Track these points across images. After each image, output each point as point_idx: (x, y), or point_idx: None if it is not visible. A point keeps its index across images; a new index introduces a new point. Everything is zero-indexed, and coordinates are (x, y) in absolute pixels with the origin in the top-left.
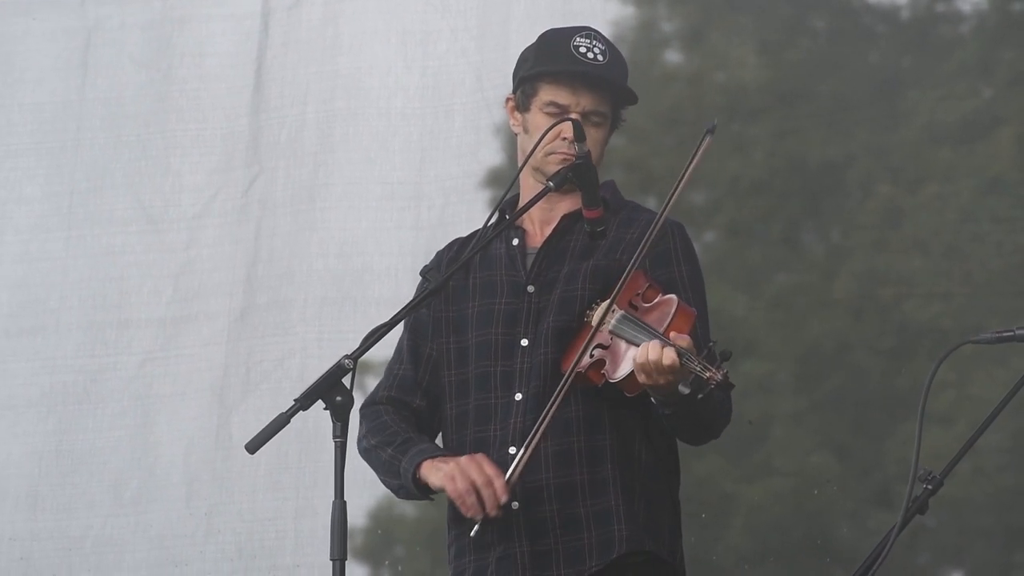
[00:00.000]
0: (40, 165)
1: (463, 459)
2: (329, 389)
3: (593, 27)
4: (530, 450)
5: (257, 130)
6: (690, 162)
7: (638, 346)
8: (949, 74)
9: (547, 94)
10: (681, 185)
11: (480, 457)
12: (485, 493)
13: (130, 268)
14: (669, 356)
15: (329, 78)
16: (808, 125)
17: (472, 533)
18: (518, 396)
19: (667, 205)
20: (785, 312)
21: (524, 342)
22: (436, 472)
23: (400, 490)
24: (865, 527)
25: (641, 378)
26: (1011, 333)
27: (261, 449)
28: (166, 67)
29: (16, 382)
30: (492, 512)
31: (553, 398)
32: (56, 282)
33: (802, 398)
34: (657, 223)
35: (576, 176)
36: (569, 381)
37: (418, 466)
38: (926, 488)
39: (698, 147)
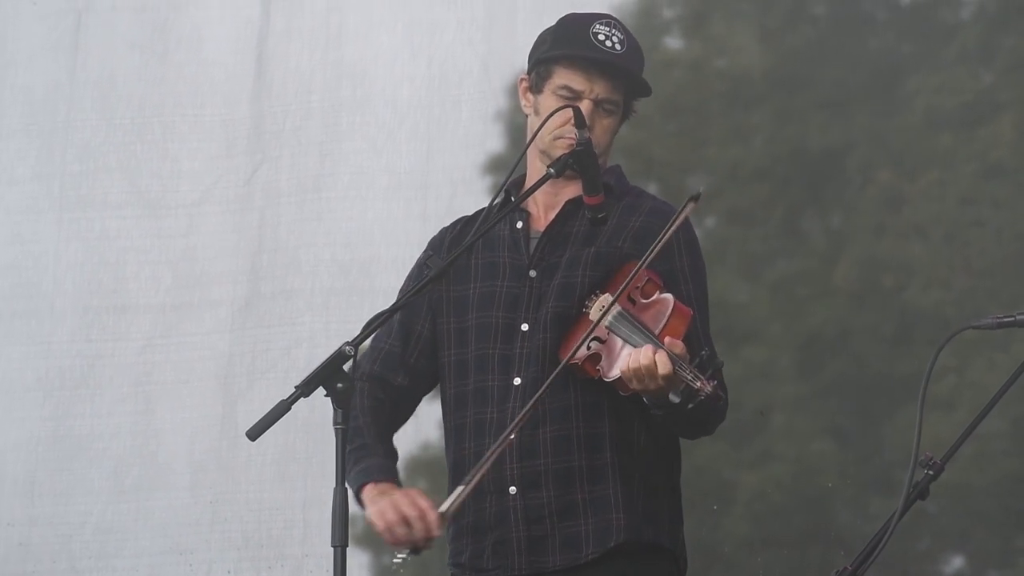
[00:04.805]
0: (31, 147)
1: (397, 494)
2: (330, 376)
3: (614, 15)
4: (478, 477)
5: (259, 118)
6: (671, 224)
7: (632, 346)
8: (950, 60)
9: (561, 78)
10: (664, 239)
11: (415, 492)
12: (417, 526)
13: (126, 253)
14: (661, 364)
15: (334, 67)
16: (809, 111)
17: (396, 559)
18: (517, 381)
19: (651, 253)
20: (786, 299)
21: (524, 327)
22: (371, 505)
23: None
24: (866, 513)
25: (632, 383)
26: (1012, 318)
27: (268, 439)
28: (161, 51)
29: (11, 366)
30: (422, 543)
31: (540, 392)
32: (48, 265)
33: (803, 384)
34: (647, 258)
35: (576, 162)
36: (559, 372)
37: (361, 487)
38: (927, 474)
39: (680, 210)
